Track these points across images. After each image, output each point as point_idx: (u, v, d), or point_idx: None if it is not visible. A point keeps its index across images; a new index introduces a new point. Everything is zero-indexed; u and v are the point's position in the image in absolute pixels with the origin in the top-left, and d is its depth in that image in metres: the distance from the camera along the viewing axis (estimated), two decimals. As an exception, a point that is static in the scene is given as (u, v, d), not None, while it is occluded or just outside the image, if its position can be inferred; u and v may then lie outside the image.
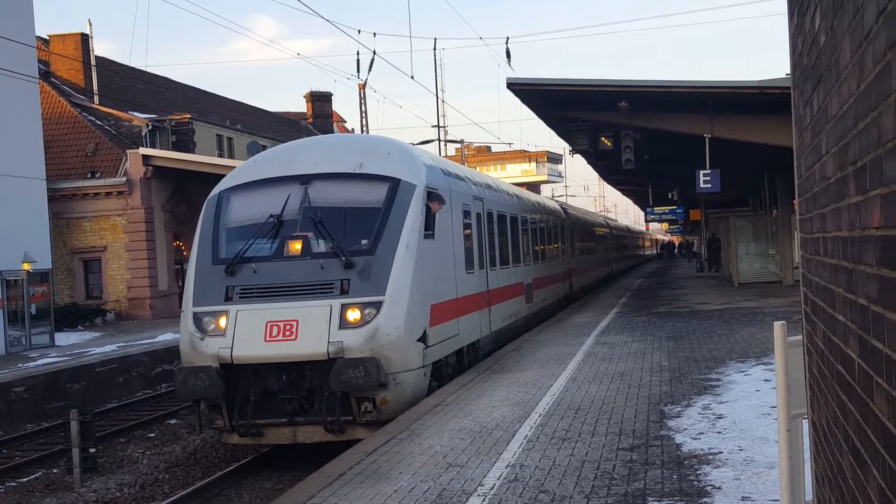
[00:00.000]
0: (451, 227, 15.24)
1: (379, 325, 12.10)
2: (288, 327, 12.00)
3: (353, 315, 12.12)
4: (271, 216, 13.10)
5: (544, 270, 26.08)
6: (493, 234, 19.05)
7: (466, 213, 16.61)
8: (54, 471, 15.33)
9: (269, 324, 12.06)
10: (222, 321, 12.31)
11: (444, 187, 14.95)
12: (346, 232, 12.93)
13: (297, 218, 13.11)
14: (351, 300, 12.21)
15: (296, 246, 12.84)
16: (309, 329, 11.97)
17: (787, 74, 19.63)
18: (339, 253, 12.56)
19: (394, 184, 13.34)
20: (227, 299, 12.55)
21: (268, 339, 11.99)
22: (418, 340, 12.83)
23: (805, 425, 5.46)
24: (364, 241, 12.86)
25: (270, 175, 13.89)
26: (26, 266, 28.73)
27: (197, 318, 12.48)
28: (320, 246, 12.87)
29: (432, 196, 13.84)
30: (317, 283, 12.44)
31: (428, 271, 13.48)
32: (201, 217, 13.94)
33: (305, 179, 13.46)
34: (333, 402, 11.95)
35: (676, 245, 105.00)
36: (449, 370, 14.79)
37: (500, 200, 20.46)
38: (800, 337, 5.41)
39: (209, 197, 14.22)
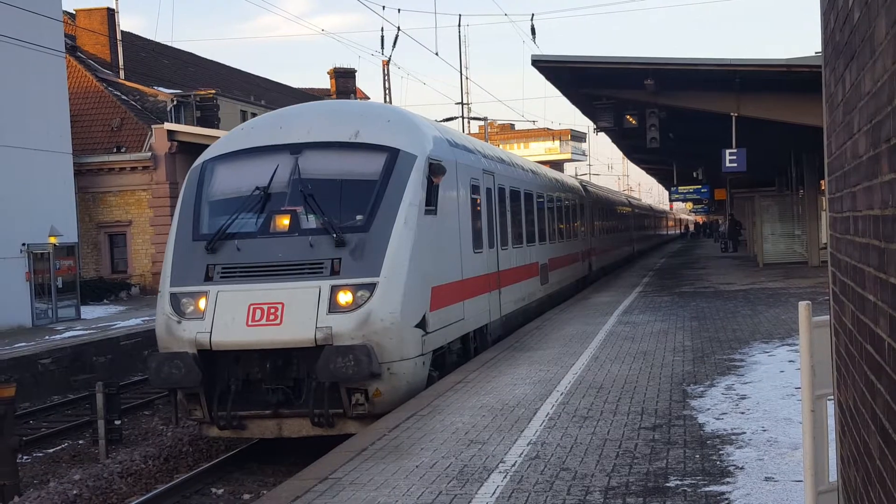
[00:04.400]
0: (457, 202, 14.13)
1: (372, 310, 11.05)
2: (272, 310, 11.00)
3: (345, 298, 11.09)
4: (257, 188, 12.04)
5: (561, 250, 24.97)
6: (504, 210, 17.87)
7: (475, 188, 15.43)
8: (80, 442, 15.51)
9: (251, 306, 11.05)
10: (201, 303, 11.30)
11: (450, 159, 13.79)
12: (339, 206, 11.89)
13: (286, 191, 12.06)
14: (342, 281, 11.18)
15: (283, 221, 11.84)
16: (295, 313, 10.98)
17: (816, 52, 19.44)
18: (331, 229, 11.51)
19: (392, 154, 12.23)
20: (208, 279, 11.52)
21: (250, 323, 10.99)
22: (416, 326, 11.76)
23: (830, 406, 5.43)
24: (358, 217, 11.80)
25: (259, 144, 12.78)
26: (53, 240, 28.99)
27: (174, 299, 11.45)
28: (310, 222, 11.83)
29: (435, 168, 12.72)
30: (305, 262, 11.41)
31: (429, 250, 12.40)
32: (182, 189, 12.94)
33: (296, 149, 12.36)
34: (322, 394, 10.96)
35: (701, 225, 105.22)
36: (453, 357, 13.79)
37: (513, 175, 19.31)
38: (825, 317, 5.37)
39: (192, 167, 13.15)
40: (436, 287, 12.61)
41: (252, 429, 11.51)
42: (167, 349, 11.31)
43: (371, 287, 11.18)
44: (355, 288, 11.17)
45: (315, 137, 12.60)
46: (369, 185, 12.04)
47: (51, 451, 15.09)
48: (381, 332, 11.07)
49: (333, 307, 11.04)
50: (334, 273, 11.28)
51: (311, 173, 12.15)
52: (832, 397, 5.29)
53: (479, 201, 15.66)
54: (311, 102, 14.73)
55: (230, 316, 11.11)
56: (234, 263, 11.60)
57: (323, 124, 12.97)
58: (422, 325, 11.92)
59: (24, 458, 14.10)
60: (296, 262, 11.46)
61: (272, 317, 10.99)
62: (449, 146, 14.31)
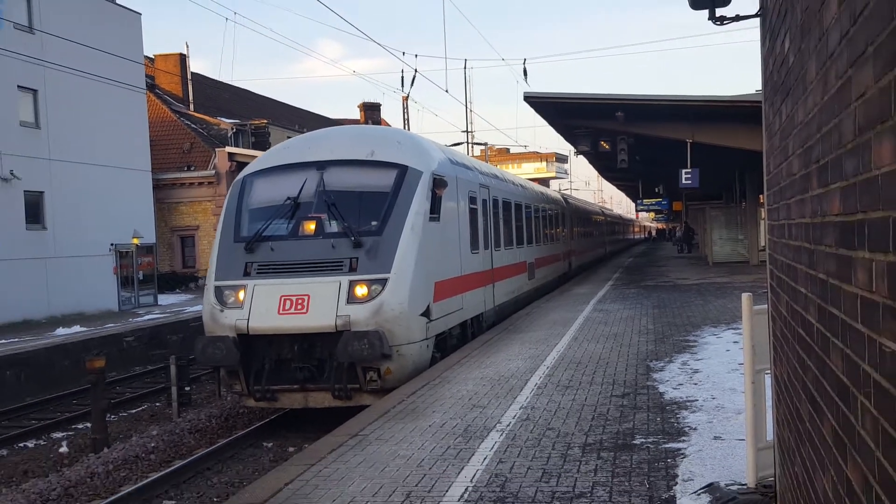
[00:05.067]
0: (457, 210, 13.70)
1: (384, 301, 10.76)
2: (300, 301, 10.74)
3: (361, 291, 10.80)
4: (289, 198, 11.77)
5: (546, 251, 24.28)
6: (497, 218, 17.27)
7: (472, 199, 14.92)
8: (157, 404, 15.56)
9: (282, 298, 10.81)
10: (241, 294, 11.07)
11: (451, 175, 13.38)
12: (357, 214, 11.55)
13: (313, 200, 11.74)
14: (358, 277, 10.88)
15: (310, 226, 11.54)
16: (319, 303, 10.70)
17: (756, 90, 19.31)
18: (349, 233, 11.22)
19: (402, 170, 11.90)
20: (246, 274, 11.26)
21: (281, 311, 10.75)
22: (421, 315, 11.41)
23: (767, 379, 5.42)
24: (373, 223, 11.45)
25: (290, 161, 12.47)
26: (135, 241, 29.10)
27: (218, 292, 11.23)
28: (332, 226, 11.51)
29: (438, 182, 12.36)
30: (328, 260, 11.09)
31: (432, 251, 12.00)
32: (226, 199, 12.57)
33: (321, 165, 12.07)
34: (341, 371, 10.74)
35: (662, 230, 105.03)
36: (453, 341, 13.39)
37: (505, 189, 18.63)
38: (764, 306, 5.35)
39: (234, 180, 12.81)
40: (438, 282, 12.28)
41: (283, 400, 11.24)
42: (212, 333, 11.07)
43: (383, 282, 10.89)
44: (370, 283, 10.88)
45: (337, 156, 12.30)
46: (382, 196, 11.73)
47: (133, 411, 15.15)
48: (392, 319, 10.78)
49: (351, 299, 10.77)
50: (352, 270, 11.00)
51: (334, 186, 11.86)
52: (769, 371, 5.27)
53: (476, 210, 15.21)
54: (334, 127, 14.26)
55: (264, 306, 10.88)
56: (269, 261, 11.34)
57: (344, 145, 12.63)
58: (426, 313, 11.60)
59: (112, 417, 14.17)
60: (320, 261, 11.15)
61: (300, 306, 10.74)
62: (450, 164, 13.90)
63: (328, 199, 11.65)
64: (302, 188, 11.84)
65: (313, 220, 11.57)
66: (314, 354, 10.97)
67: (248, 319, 10.84)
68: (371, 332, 10.41)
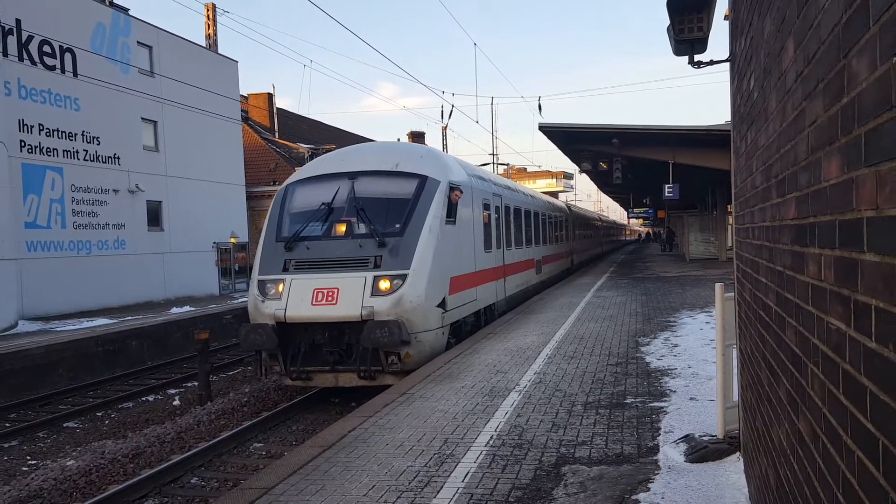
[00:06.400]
0: (472, 215, 12.78)
1: (404, 294, 9.97)
2: (331, 294, 10.00)
3: (384, 285, 10.01)
4: (323, 204, 11.01)
5: (551, 250, 23.29)
6: (509, 222, 16.27)
7: (486, 206, 13.94)
8: (249, 368, 15.73)
9: (316, 290, 10.06)
10: (280, 287, 10.29)
11: (467, 185, 12.53)
12: (382, 217, 10.73)
13: (344, 206, 10.93)
14: (382, 273, 10.09)
15: (341, 228, 10.71)
16: (347, 295, 9.96)
17: (726, 121, 18.95)
18: (375, 234, 10.43)
19: (422, 180, 11.09)
20: (285, 270, 10.48)
21: (314, 303, 10.00)
22: (437, 306, 10.58)
23: (734, 351, 5.35)
24: (396, 225, 10.63)
25: (326, 171, 11.64)
26: (233, 240, 29.50)
27: (261, 285, 10.44)
28: (360, 228, 10.68)
29: (454, 190, 11.58)
30: (356, 258, 10.29)
31: (448, 250, 11.15)
32: (271, 204, 11.78)
33: (353, 175, 11.29)
34: (366, 355, 9.96)
35: (648, 233, 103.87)
36: (467, 328, 12.52)
37: (516, 198, 17.57)
38: (731, 294, 5.29)
39: (279, 189, 11.99)
40: (454, 277, 11.46)
41: (316, 380, 10.46)
42: (254, 321, 10.33)
43: (403, 277, 10.11)
44: (392, 278, 10.11)
45: (367, 167, 11.48)
46: (405, 202, 10.92)
47: (230, 373, 15.34)
48: (410, 310, 10.01)
49: (375, 292, 10.00)
50: (376, 266, 10.19)
51: (363, 193, 11.05)
52: (736, 345, 5.21)
53: (489, 215, 14.21)
54: (365, 143, 13.58)
55: (300, 297, 10.13)
56: (305, 258, 10.56)
57: (373, 158, 11.76)
58: (442, 305, 10.79)
59: (214, 378, 14.37)
60: (349, 258, 10.35)
61: (330, 298, 10.01)
62: (467, 175, 12.99)
63: (357, 204, 10.90)
64: (335, 195, 11.10)
65: (344, 223, 10.81)
66: (343, 340, 10.25)
67: (286, 309, 10.09)
68: (392, 321, 9.71)
